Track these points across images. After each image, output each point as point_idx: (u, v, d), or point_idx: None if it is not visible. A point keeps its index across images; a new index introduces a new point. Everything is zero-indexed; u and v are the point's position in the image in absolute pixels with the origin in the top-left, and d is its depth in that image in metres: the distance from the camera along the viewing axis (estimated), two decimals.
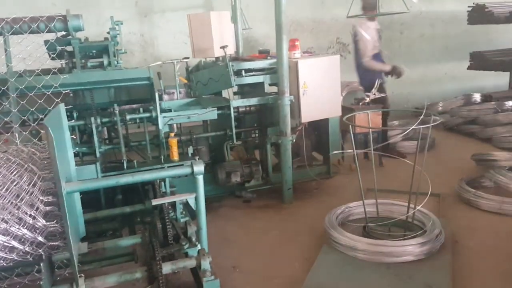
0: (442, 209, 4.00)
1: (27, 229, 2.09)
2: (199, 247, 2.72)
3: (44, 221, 2.11)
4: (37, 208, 2.13)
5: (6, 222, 2.08)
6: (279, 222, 4.03)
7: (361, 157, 5.33)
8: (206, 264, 2.48)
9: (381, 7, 4.82)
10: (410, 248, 3.09)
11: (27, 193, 2.15)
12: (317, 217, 3.86)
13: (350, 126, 3.28)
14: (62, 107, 2.44)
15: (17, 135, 3.06)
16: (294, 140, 4.31)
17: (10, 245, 2.14)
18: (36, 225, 2.11)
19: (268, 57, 4.68)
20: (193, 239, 2.81)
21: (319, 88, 4.27)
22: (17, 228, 2.10)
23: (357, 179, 3.39)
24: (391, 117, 5.31)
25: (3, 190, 2.15)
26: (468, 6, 6.99)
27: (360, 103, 4.98)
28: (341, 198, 4.14)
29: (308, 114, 4.29)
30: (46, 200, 2.15)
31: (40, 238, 2.12)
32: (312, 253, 3.37)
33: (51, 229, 2.14)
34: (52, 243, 2.18)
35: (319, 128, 4.71)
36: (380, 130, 5.12)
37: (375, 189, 3.44)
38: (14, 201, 2.12)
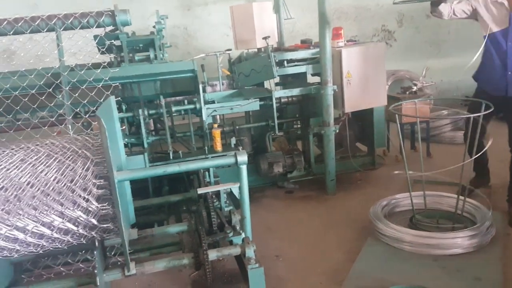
0: (493, 201, 3.83)
1: (81, 212, 2.20)
2: (243, 235, 2.76)
3: (97, 204, 2.22)
4: (90, 192, 2.24)
5: (62, 205, 2.21)
6: (322, 213, 4.01)
7: (407, 148, 5.19)
8: (250, 252, 2.51)
9: None
10: (459, 241, 2.99)
11: (81, 177, 2.26)
12: (361, 208, 3.81)
13: (397, 115, 3.19)
14: (112, 100, 2.54)
15: (70, 126, 3.22)
16: (337, 131, 4.26)
17: (65, 228, 2.26)
18: (90, 208, 2.22)
19: (311, 47, 4.64)
20: (237, 228, 2.86)
21: (363, 77, 4.18)
22: (72, 210, 2.21)
23: (403, 170, 3.31)
24: (439, 107, 5.12)
25: (59, 174, 2.27)
26: None
27: (407, 92, 4.83)
28: (387, 190, 4.06)
29: (352, 103, 4.22)
30: (99, 184, 2.25)
31: (93, 221, 2.23)
32: (355, 244, 3.34)
33: (104, 212, 2.24)
34: (104, 226, 2.28)
35: (363, 118, 4.62)
36: (428, 120, 4.95)
37: (422, 180, 3.34)
38: (69, 184, 2.24)
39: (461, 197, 3.28)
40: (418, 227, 3.25)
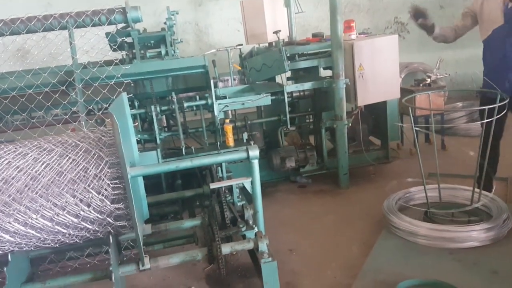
0: (510, 193, 3.77)
1: (96, 208, 2.24)
2: (256, 229, 2.76)
3: (111, 201, 2.25)
4: (105, 188, 2.26)
5: (77, 201, 2.24)
6: (335, 207, 4.00)
7: (422, 141, 5.13)
8: (263, 246, 2.52)
9: None
10: (475, 234, 2.95)
11: (95, 174, 2.29)
12: (374, 202, 3.78)
13: (410, 108, 3.15)
14: (124, 96, 2.55)
15: (83, 123, 3.26)
16: (350, 124, 4.23)
17: (82, 226, 2.30)
18: (104, 204, 2.25)
19: (322, 40, 4.60)
20: (250, 222, 2.87)
21: (376, 70, 4.13)
22: (87, 207, 2.25)
23: (417, 164, 3.28)
24: (454, 98, 5.05)
25: (74, 171, 2.30)
26: None
27: (421, 85, 4.76)
28: (401, 184, 4.02)
29: (365, 97, 4.18)
30: (113, 180, 2.27)
31: (108, 219, 2.26)
32: (369, 238, 3.31)
33: (118, 208, 2.27)
34: (119, 222, 2.30)
35: (376, 111, 4.58)
36: (443, 113, 4.88)
37: (437, 173, 3.30)
38: (83, 185, 2.27)
39: (477, 190, 3.22)
40: (433, 220, 3.22)
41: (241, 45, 4.66)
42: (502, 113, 2.94)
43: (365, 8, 6.74)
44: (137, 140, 3.29)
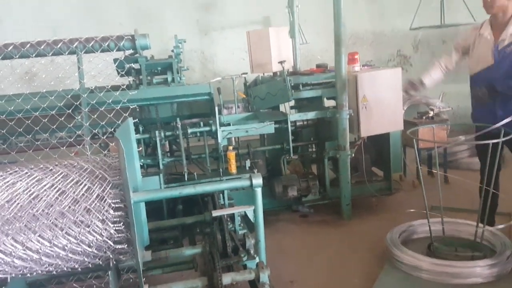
0: None
1: (97, 234, 2.21)
2: (257, 259, 2.72)
3: (113, 226, 2.23)
4: (107, 214, 2.25)
5: (78, 226, 2.22)
6: (337, 238, 3.95)
7: (424, 173, 5.11)
8: (264, 277, 2.47)
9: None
10: (478, 270, 2.90)
11: (97, 199, 2.28)
12: (377, 234, 3.74)
13: (414, 140, 3.16)
14: (130, 121, 2.57)
15: (88, 147, 3.27)
16: (353, 155, 4.23)
17: (81, 249, 2.27)
18: (105, 230, 2.23)
19: (326, 71, 4.66)
20: (252, 252, 2.83)
21: (379, 102, 4.17)
22: (88, 232, 2.22)
23: (420, 196, 3.26)
24: (456, 131, 5.06)
25: (76, 195, 2.29)
26: None
27: (424, 117, 4.79)
28: (403, 216, 3.98)
29: (368, 128, 4.20)
30: (115, 206, 2.26)
31: (109, 243, 2.23)
32: (372, 271, 3.26)
33: (119, 234, 2.25)
34: (119, 247, 2.28)
35: (379, 142, 4.59)
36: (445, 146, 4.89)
37: (440, 206, 3.27)
38: (85, 205, 2.26)
39: (480, 225, 3.19)
40: (437, 255, 3.17)
41: (246, 73, 4.72)
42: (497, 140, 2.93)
43: (369, 40, 6.86)
44: (140, 164, 3.29)
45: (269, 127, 4.09)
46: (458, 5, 3.18)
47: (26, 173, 2.37)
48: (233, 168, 3.77)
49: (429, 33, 6.18)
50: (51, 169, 2.45)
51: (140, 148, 3.67)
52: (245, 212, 3.46)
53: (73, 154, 3.32)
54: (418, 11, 3.10)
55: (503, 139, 2.91)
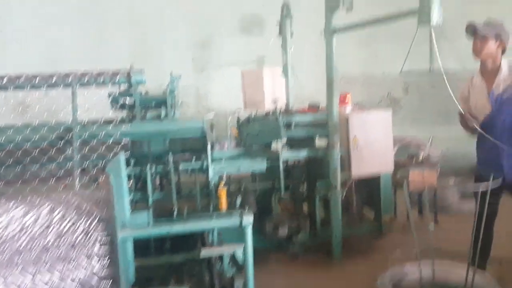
0: (505, 275, 3.69)
1: (83, 270, 2.16)
2: None
3: (98, 263, 2.18)
4: (92, 250, 2.20)
5: (63, 262, 2.16)
6: (328, 279, 3.88)
7: (415, 215, 5.11)
8: None
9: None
10: None
11: (84, 234, 2.24)
12: (368, 276, 3.67)
13: (405, 183, 3.18)
14: (122, 156, 2.56)
15: (77, 181, 3.23)
16: (344, 195, 4.23)
17: (64, 284, 2.21)
18: (91, 267, 2.18)
19: (318, 111, 4.72)
20: None
21: (370, 143, 4.22)
22: (72, 268, 2.17)
23: (411, 238, 3.24)
24: (446, 174, 5.11)
25: (62, 230, 2.25)
26: None
27: (414, 160, 4.84)
28: (394, 258, 3.94)
29: (359, 168, 4.22)
30: (102, 242, 2.22)
31: (94, 279, 2.18)
32: None
33: (105, 270, 2.19)
34: (104, 284, 2.22)
35: (370, 183, 4.59)
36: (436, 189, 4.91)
37: (431, 250, 3.25)
38: (71, 240, 2.21)
39: (472, 268, 3.16)
40: None
41: (240, 110, 4.77)
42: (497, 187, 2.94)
43: (360, 81, 7.02)
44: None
45: (261, 165, 4.10)
46: (447, 51, 3.31)
47: (11, 206, 2.33)
48: (224, 205, 3.73)
49: (419, 77, 6.35)
50: (38, 203, 2.41)
51: (130, 182, 3.64)
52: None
53: (61, 187, 3.28)
54: (410, 56, 3.21)
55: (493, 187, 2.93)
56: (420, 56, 3.27)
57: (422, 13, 2.87)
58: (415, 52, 3.20)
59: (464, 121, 3.49)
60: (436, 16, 2.86)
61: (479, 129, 3.30)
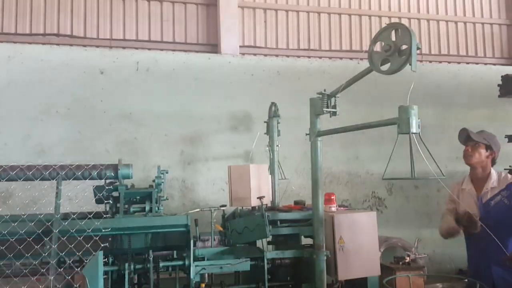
0: None
1: None
2: None
3: None
4: None
5: None
6: None
7: None
8: None
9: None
10: None
11: None
12: None
13: None
14: (100, 256, 2.48)
15: (52, 278, 3.06)
16: None
17: None
18: None
19: (304, 209, 4.72)
20: None
21: (356, 245, 4.15)
22: None
23: None
24: (433, 279, 4.99)
25: None
26: None
27: (400, 263, 4.75)
28: None
29: (346, 271, 4.11)
30: None
31: None
32: None
33: None
34: None
35: (357, 286, 4.44)
36: None
37: None
38: None
39: None
40: None
41: (225, 206, 4.74)
42: None
43: (344, 180, 7.12)
44: None
45: (244, 264, 3.98)
46: (428, 158, 3.46)
47: None
48: None
49: (402, 180, 6.47)
50: None
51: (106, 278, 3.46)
52: None
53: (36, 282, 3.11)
54: (392, 157, 3.31)
55: None
56: (402, 159, 3.39)
57: (402, 124, 3.03)
58: (398, 154, 3.32)
59: (464, 220, 3.54)
60: (415, 125, 3.02)
61: (479, 222, 3.35)
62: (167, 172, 4.34)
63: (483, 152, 3.59)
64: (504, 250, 3.25)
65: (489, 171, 3.55)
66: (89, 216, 3.42)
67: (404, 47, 3.00)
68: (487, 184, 3.51)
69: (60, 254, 3.11)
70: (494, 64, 8.26)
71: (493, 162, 3.68)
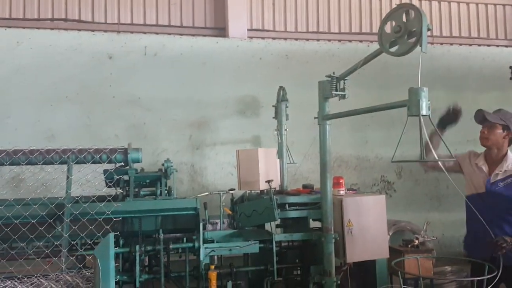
0: None
1: None
2: None
3: None
4: None
5: None
6: None
7: None
8: None
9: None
10: None
11: None
12: None
13: (399, 272, 3.10)
14: (111, 238, 2.51)
15: (64, 260, 3.13)
16: (339, 282, 4.09)
17: None
18: None
19: (312, 192, 4.73)
20: None
21: (364, 228, 4.16)
22: None
23: None
24: (442, 262, 5.01)
25: None
26: None
27: (409, 245, 4.76)
28: None
29: (354, 253, 4.13)
30: None
31: None
32: None
33: None
34: None
35: (365, 269, 4.47)
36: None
37: None
38: None
39: None
40: None
41: (234, 189, 4.77)
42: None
43: (353, 165, 7.09)
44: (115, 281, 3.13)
45: (253, 247, 4.02)
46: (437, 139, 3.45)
47: None
48: None
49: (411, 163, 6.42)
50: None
51: (117, 264, 3.52)
52: None
53: (48, 264, 3.18)
54: (402, 142, 3.27)
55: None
56: (412, 142, 3.35)
57: (412, 106, 2.99)
58: (407, 138, 3.28)
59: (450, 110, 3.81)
60: (425, 107, 2.98)
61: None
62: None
63: (500, 133, 3.55)
64: (491, 234, 3.24)
65: (505, 152, 3.52)
66: (108, 198, 3.46)
67: (414, 28, 2.95)
68: (501, 165, 3.48)
69: (78, 233, 3.16)
70: (506, 46, 8.08)
71: (510, 142, 3.65)
